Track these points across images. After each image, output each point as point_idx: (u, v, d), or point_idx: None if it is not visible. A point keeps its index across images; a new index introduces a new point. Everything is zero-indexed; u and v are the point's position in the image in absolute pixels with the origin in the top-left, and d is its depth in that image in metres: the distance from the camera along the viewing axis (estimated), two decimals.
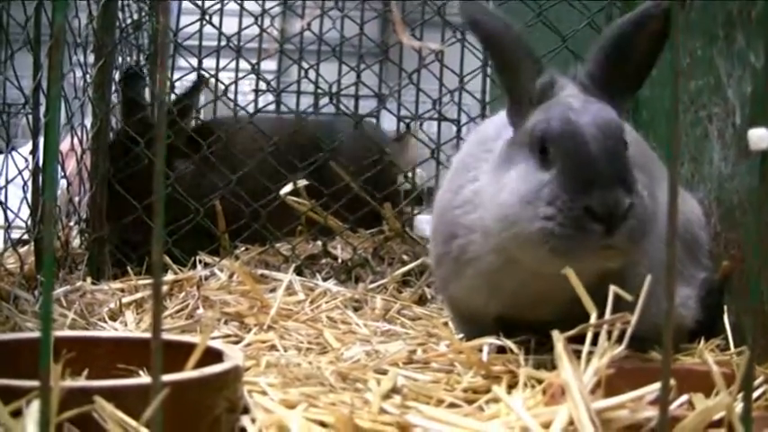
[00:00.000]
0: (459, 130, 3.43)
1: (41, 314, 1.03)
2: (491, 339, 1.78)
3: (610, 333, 1.35)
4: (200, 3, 3.13)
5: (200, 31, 3.24)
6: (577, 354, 1.30)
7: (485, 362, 1.70)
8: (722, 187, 2.20)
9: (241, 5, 3.29)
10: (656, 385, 1.15)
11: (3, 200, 2.47)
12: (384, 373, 1.71)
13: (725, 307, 2.11)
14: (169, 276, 2.55)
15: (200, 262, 2.75)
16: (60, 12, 1.05)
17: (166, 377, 1.12)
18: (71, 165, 2.99)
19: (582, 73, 1.77)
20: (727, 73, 2.19)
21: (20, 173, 2.41)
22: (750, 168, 2.07)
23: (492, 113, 3.32)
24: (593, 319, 1.31)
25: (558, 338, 1.21)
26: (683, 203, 2.22)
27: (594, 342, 1.34)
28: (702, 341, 2.04)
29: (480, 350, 1.77)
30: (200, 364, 1.29)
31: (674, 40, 1.09)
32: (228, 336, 2.13)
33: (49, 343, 0.98)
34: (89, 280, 2.60)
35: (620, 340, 1.37)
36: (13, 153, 2.59)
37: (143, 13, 3.47)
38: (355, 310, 2.46)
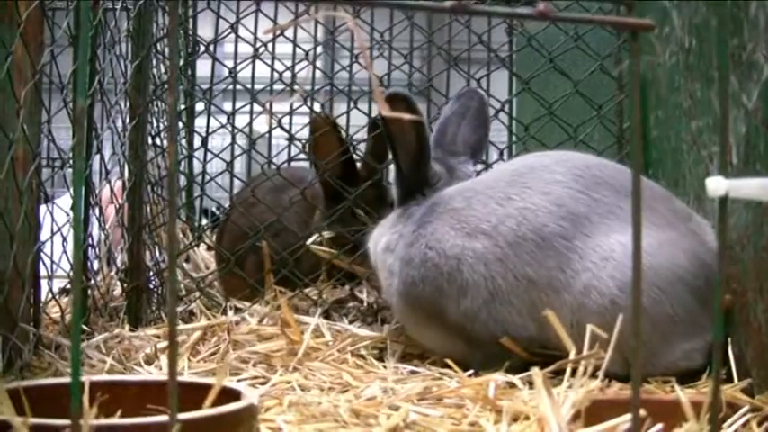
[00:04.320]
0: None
1: (71, 359, 1.16)
2: (497, 376, 1.89)
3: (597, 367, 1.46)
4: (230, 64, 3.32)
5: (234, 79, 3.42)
6: None
7: (491, 397, 1.81)
8: None
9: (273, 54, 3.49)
10: (629, 415, 1.25)
11: (45, 252, 2.62)
12: (397, 409, 1.82)
13: (728, 339, 2.20)
14: (201, 322, 2.69)
15: (230, 308, 2.89)
16: (82, 94, 1.19)
17: (183, 415, 1.25)
18: (110, 216, 3.16)
19: None
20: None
21: (59, 229, 2.57)
22: (746, 205, 2.16)
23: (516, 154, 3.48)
24: (571, 355, 1.42)
25: (538, 374, 1.33)
26: (702, 243, 2.31)
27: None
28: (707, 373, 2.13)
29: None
30: (221, 404, 1.43)
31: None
32: (256, 377, 2.27)
33: (78, 384, 1.11)
34: (127, 327, 2.75)
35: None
36: (53, 204, 2.74)
37: (181, 69, 3.66)
38: (379, 350, 2.58)
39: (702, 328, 2.21)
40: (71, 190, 2.73)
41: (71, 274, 2.68)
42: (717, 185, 1.25)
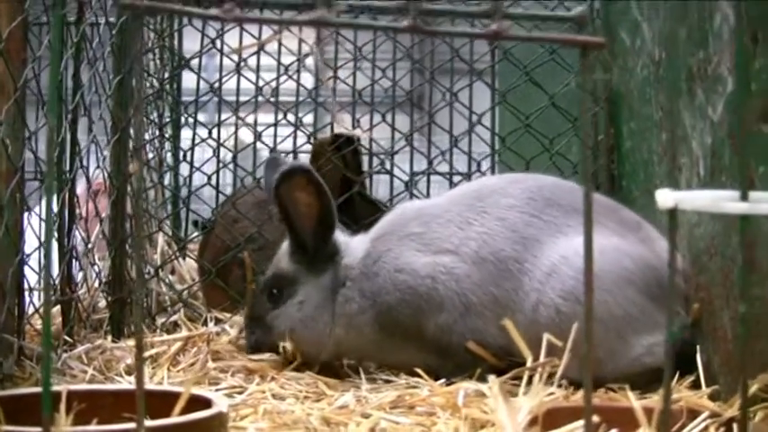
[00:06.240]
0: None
1: (42, 369, 1.20)
2: (466, 384, 1.94)
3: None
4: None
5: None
6: None
7: (460, 405, 1.85)
8: (692, 233, 2.34)
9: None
10: (582, 422, 1.30)
11: (27, 264, 2.64)
12: (368, 417, 1.87)
13: (697, 347, 2.25)
14: (182, 333, 2.73)
15: (211, 319, 2.94)
16: (53, 113, 1.23)
17: (152, 422, 1.29)
18: (95, 229, 3.18)
19: None
20: (690, 125, 2.35)
21: (41, 244, 2.60)
22: (713, 216, 2.21)
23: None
24: (529, 363, 1.46)
25: (494, 382, 1.38)
26: (652, 250, 2.39)
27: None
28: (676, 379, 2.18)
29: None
30: (191, 412, 1.47)
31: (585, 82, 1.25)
32: (234, 387, 2.31)
33: (49, 394, 1.15)
34: (110, 338, 2.78)
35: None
36: (30, 213, 2.76)
37: (164, 83, 3.71)
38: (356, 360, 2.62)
39: (662, 325, 2.28)
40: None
41: (42, 285, 2.72)
42: (665, 197, 1.29)
